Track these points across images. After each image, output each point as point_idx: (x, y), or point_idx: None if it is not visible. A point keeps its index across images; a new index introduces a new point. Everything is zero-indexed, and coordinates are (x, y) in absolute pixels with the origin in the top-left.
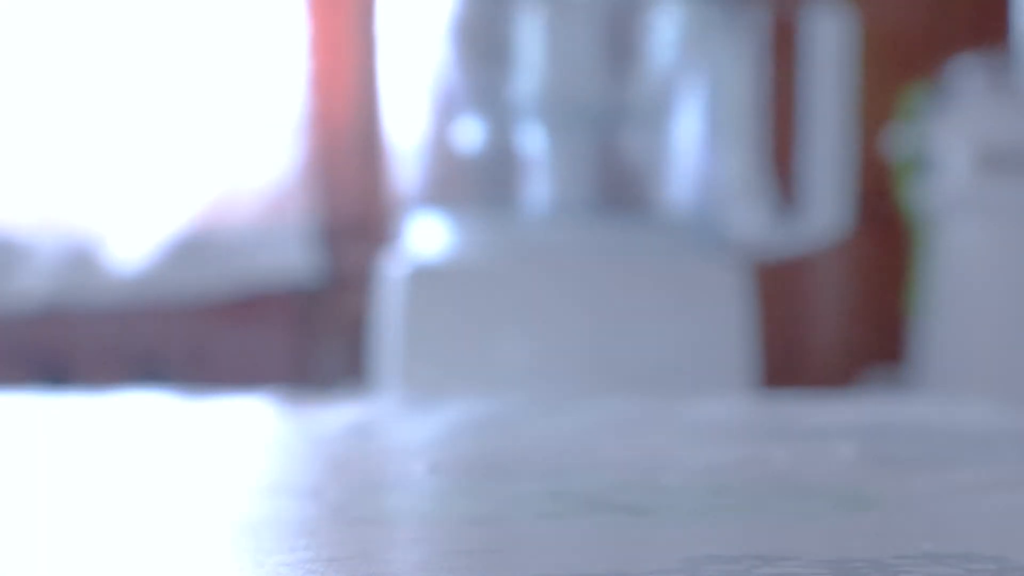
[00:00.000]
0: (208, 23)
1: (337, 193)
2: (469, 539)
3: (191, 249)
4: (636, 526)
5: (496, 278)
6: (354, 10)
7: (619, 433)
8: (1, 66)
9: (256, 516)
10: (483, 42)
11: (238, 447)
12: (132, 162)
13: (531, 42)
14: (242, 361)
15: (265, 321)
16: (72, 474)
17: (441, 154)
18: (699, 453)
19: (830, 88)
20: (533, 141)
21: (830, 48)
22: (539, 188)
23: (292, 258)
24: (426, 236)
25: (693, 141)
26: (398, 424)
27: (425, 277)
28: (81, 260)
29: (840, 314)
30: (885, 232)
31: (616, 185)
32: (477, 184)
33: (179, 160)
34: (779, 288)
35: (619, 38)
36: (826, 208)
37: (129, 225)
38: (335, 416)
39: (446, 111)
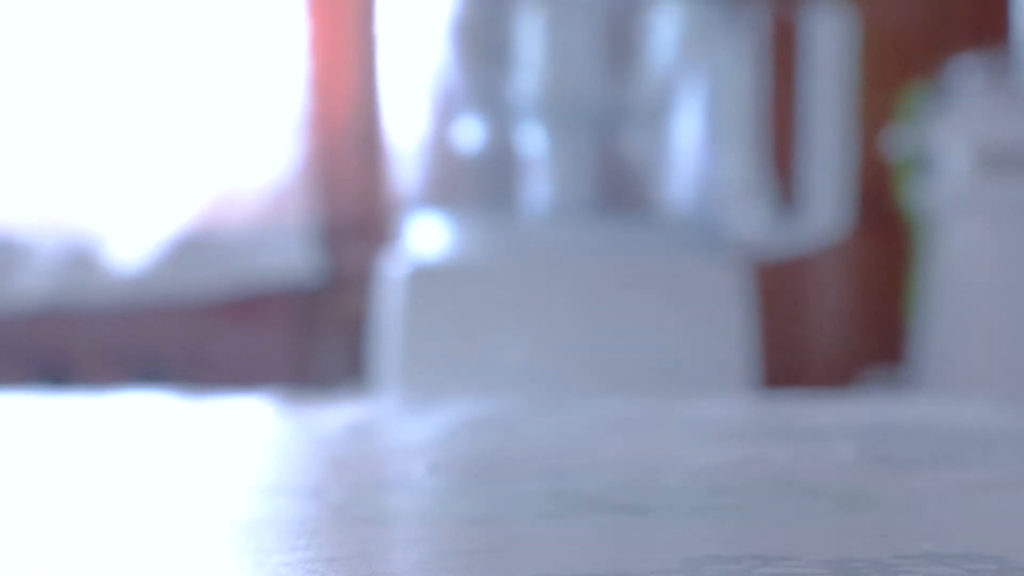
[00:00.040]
0: (208, 23)
1: (337, 193)
2: (469, 539)
3: (191, 249)
4: (636, 526)
5: (496, 278)
6: (354, 10)
7: (619, 433)
8: (1, 66)
9: (256, 516)
10: (483, 42)
11: (238, 447)
12: (132, 162)
13: (531, 42)
14: (242, 361)
15: (265, 321)
16: (72, 474)
17: (441, 154)
18: (699, 453)
19: (830, 88)
20: (533, 141)
21: (830, 48)
22: (539, 188)
23: (292, 258)
24: (426, 236)
25: (693, 141)
26: (398, 424)
27: (425, 277)
28: (81, 260)
29: (840, 314)
30: (885, 232)
31: (616, 185)
32: (477, 184)
33: (179, 160)
34: (779, 288)
35: (619, 38)
36: (826, 208)
37: (129, 225)
38: (335, 416)
39: (446, 111)
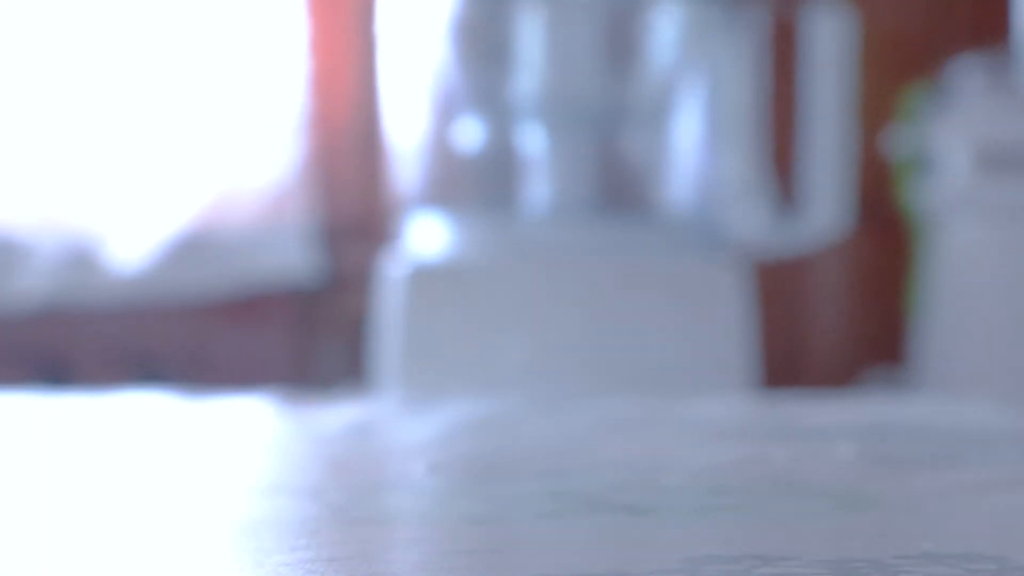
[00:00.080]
0: (208, 23)
1: (337, 193)
2: (469, 539)
3: (191, 249)
4: (636, 526)
5: (496, 278)
6: (354, 10)
7: (619, 433)
8: (1, 66)
9: (256, 516)
10: (483, 42)
11: (238, 447)
12: (132, 162)
13: (531, 42)
14: (242, 361)
15: (265, 321)
16: (72, 474)
17: (441, 154)
18: (699, 453)
19: (830, 88)
20: (533, 141)
21: (830, 48)
22: (539, 188)
23: (292, 258)
24: (426, 236)
25: (693, 141)
26: (398, 424)
27: (425, 277)
28: (81, 260)
29: (840, 314)
30: (885, 232)
31: (616, 185)
32: (477, 184)
33: (179, 160)
34: (779, 288)
35: (619, 38)
36: (826, 208)
37: (129, 225)
38: (335, 416)
39: (446, 111)
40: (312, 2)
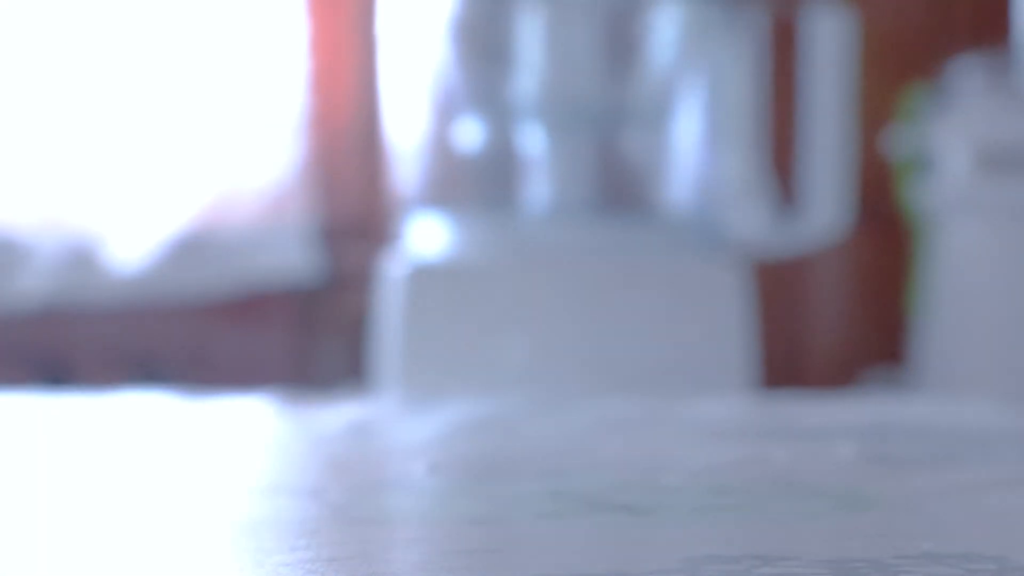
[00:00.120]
0: (208, 23)
1: (337, 193)
2: (469, 539)
3: (191, 249)
4: (636, 526)
5: (496, 278)
6: (354, 10)
7: (619, 433)
8: (1, 66)
9: (256, 516)
10: (483, 42)
11: (238, 447)
12: (132, 162)
13: (531, 42)
14: (242, 361)
15: (265, 321)
16: (72, 474)
17: (441, 154)
18: (699, 453)
19: (830, 88)
20: (533, 141)
21: (830, 48)
22: (539, 188)
23: (292, 258)
24: (426, 236)
25: (693, 141)
26: (398, 424)
27: (424, 277)
28: (81, 260)
29: (840, 314)
30: (885, 232)
31: (616, 185)
32: (477, 184)
33: (179, 160)
34: (779, 288)
35: (619, 38)
36: (826, 208)
37: (129, 225)
38: (335, 416)
39: (446, 111)
40: (312, 2)
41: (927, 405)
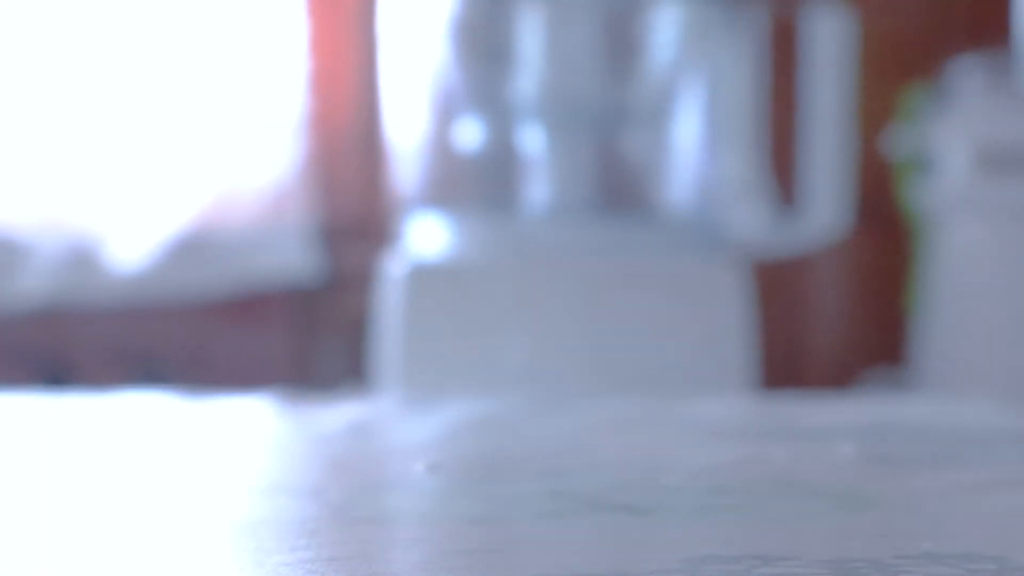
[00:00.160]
0: (208, 23)
1: (337, 193)
2: (469, 539)
3: (191, 249)
4: (636, 526)
5: (496, 278)
6: (354, 10)
7: (619, 433)
8: (1, 66)
9: (256, 516)
10: (483, 42)
11: (238, 447)
12: (132, 162)
13: (531, 42)
14: (242, 361)
15: (265, 321)
16: (72, 474)
17: (441, 154)
18: (699, 453)
19: (830, 88)
20: (533, 141)
21: (830, 48)
22: (539, 188)
23: (292, 258)
24: (426, 236)
25: (693, 141)
26: (398, 424)
27: (424, 276)
28: (81, 260)
29: (840, 314)
30: (885, 232)
31: (616, 185)
32: (477, 184)
33: (179, 160)
34: (779, 288)
35: (619, 38)
36: (826, 208)
37: (129, 225)
38: (335, 416)
39: (446, 111)
40: (312, 2)
41: (927, 405)
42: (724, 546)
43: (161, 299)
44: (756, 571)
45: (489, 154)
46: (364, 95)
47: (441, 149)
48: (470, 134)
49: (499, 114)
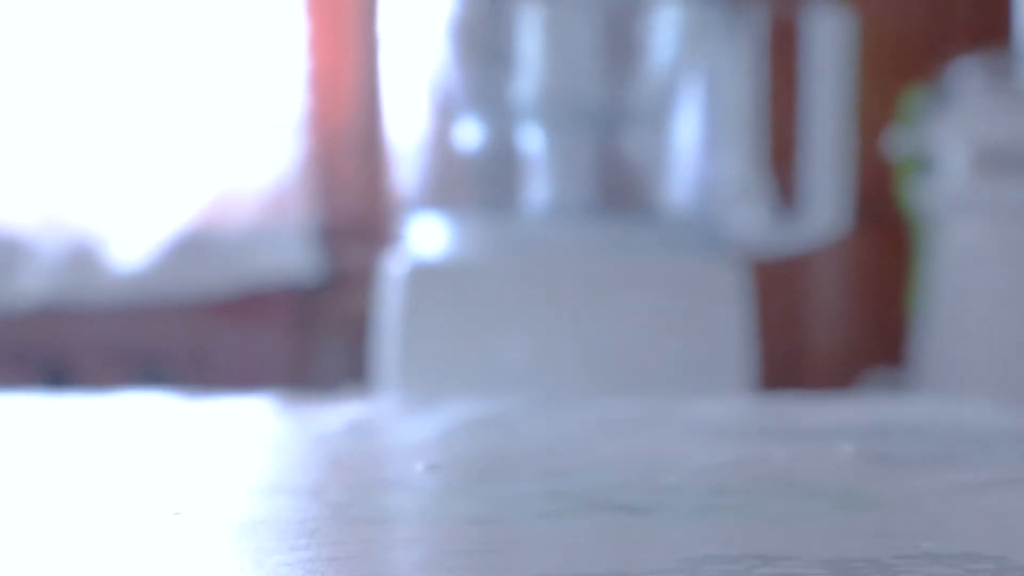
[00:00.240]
0: (208, 22)
1: (337, 193)
2: (469, 539)
3: (191, 248)
4: (636, 526)
5: (496, 278)
6: (354, 9)
7: (619, 433)
8: (2, 66)
9: (256, 516)
10: (483, 42)
11: (238, 447)
12: (133, 162)
13: (531, 42)
14: (242, 361)
15: (265, 321)
16: (72, 474)
17: (441, 154)
18: (699, 453)
19: (830, 88)
20: (533, 141)
21: (830, 48)
22: (539, 188)
23: (292, 258)
24: (426, 236)
25: (693, 141)
26: (398, 424)
27: (423, 276)
28: (82, 259)
29: (840, 314)
30: (885, 232)
31: (616, 185)
32: (477, 184)
33: (179, 160)
34: (779, 288)
35: (619, 38)
36: (826, 208)
37: (130, 224)
38: (335, 416)
39: (446, 111)
40: (312, 2)
41: (927, 405)
42: (724, 546)
43: (161, 299)
44: (756, 571)
45: (489, 154)
46: (364, 95)
47: (441, 149)
48: (470, 134)
49: (499, 114)
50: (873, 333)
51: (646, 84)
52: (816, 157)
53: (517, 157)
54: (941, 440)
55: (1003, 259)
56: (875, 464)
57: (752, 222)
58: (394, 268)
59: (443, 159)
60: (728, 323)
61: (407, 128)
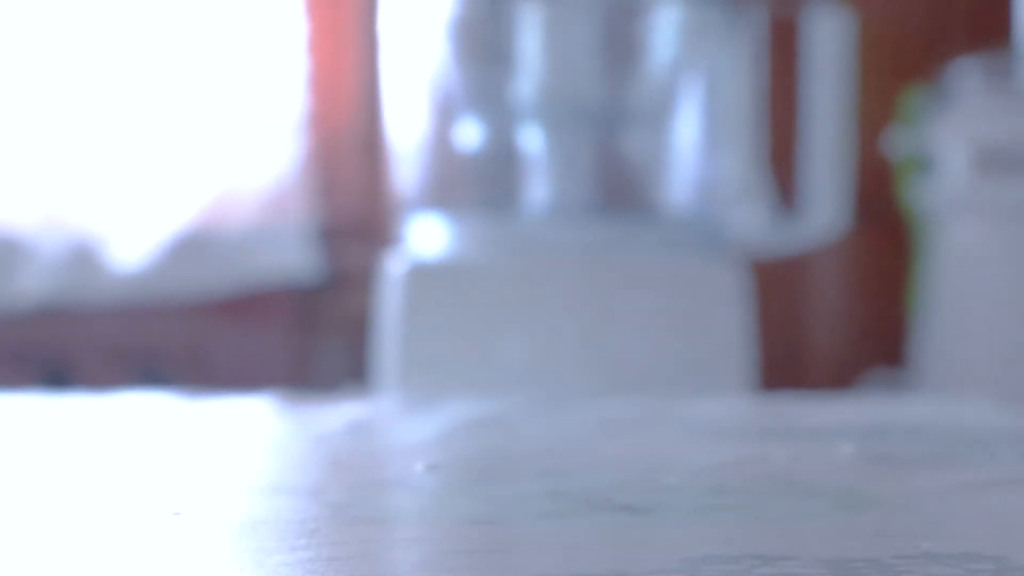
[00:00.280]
0: (208, 22)
1: (337, 193)
2: (469, 539)
3: (191, 248)
4: (636, 526)
5: (495, 278)
6: (354, 9)
7: (619, 433)
8: (2, 66)
9: (256, 516)
10: (483, 42)
11: (238, 447)
12: (133, 161)
13: (531, 42)
14: (242, 361)
15: (265, 321)
16: (72, 474)
17: (441, 154)
18: (699, 453)
19: (830, 88)
20: (533, 141)
21: (830, 48)
22: (539, 188)
23: (292, 258)
24: (426, 236)
25: (693, 141)
26: (398, 424)
27: (423, 276)
28: (82, 259)
29: (840, 314)
30: (885, 232)
31: (616, 185)
32: (477, 184)
33: (179, 160)
34: (779, 288)
35: (619, 38)
36: (825, 208)
37: (130, 224)
38: (335, 416)
39: (446, 111)
40: (312, 2)
41: (927, 405)
42: (724, 546)
43: (161, 299)
44: (756, 571)
45: (489, 154)
46: (364, 95)
47: (441, 149)
48: (470, 134)
49: (499, 114)
50: (873, 333)
51: (646, 84)
52: (816, 157)
53: (517, 157)
54: (941, 440)
55: (1003, 259)
56: (875, 464)
57: (752, 222)
58: (394, 268)
59: (443, 159)
60: (728, 323)
61: (407, 128)
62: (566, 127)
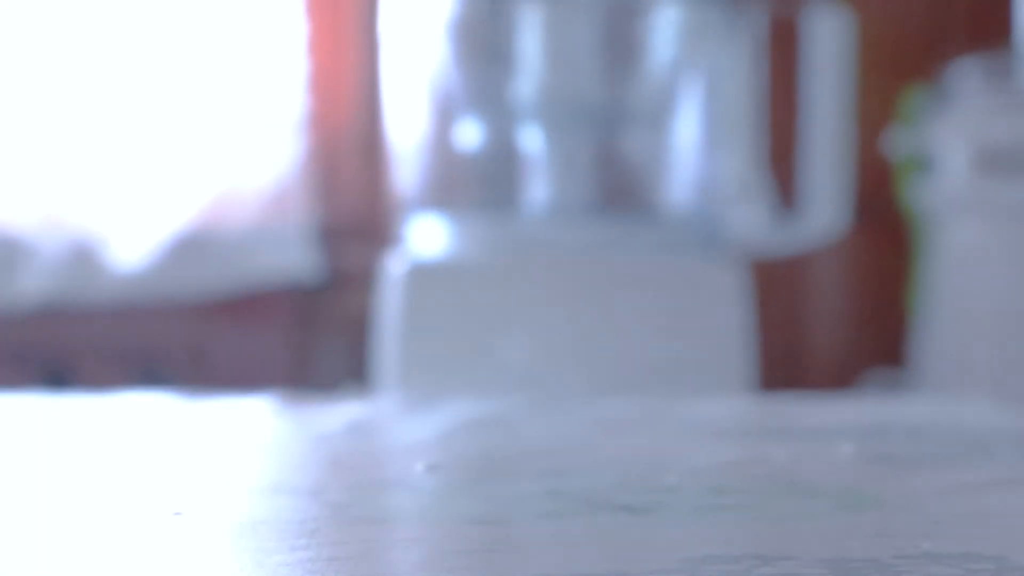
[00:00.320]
0: (207, 22)
1: (337, 193)
2: (469, 539)
3: (191, 248)
4: (636, 526)
5: (495, 277)
6: (354, 10)
7: (619, 433)
8: (2, 66)
9: (256, 516)
10: (483, 42)
11: (238, 447)
12: (133, 161)
13: (531, 42)
14: (242, 361)
15: (265, 321)
16: (72, 474)
17: (441, 154)
18: (699, 453)
19: (830, 88)
20: (533, 141)
21: (830, 48)
22: (539, 188)
23: (292, 258)
24: (426, 236)
25: (693, 141)
26: (398, 424)
27: (423, 276)
28: (82, 259)
29: (840, 314)
30: (885, 232)
31: (616, 185)
32: (477, 184)
33: (179, 160)
34: (778, 288)
35: (619, 38)
36: (825, 208)
37: (130, 224)
38: (335, 415)
39: (446, 111)
40: (312, 2)
41: (927, 405)
42: (724, 546)
43: (161, 299)
44: (756, 571)
45: (489, 154)
46: (364, 95)
47: (441, 149)
48: (470, 134)
49: (499, 114)
50: (873, 333)
51: (646, 84)
52: (816, 157)
53: (517, 157)
54: (941, 440)
55: (1003, 259)
56: (875, 464)
57: (752, 222)
58: (394, 268)
59: (443, 159)
60: (728, 323)
61: (407, 128)
62: (566, 127)
